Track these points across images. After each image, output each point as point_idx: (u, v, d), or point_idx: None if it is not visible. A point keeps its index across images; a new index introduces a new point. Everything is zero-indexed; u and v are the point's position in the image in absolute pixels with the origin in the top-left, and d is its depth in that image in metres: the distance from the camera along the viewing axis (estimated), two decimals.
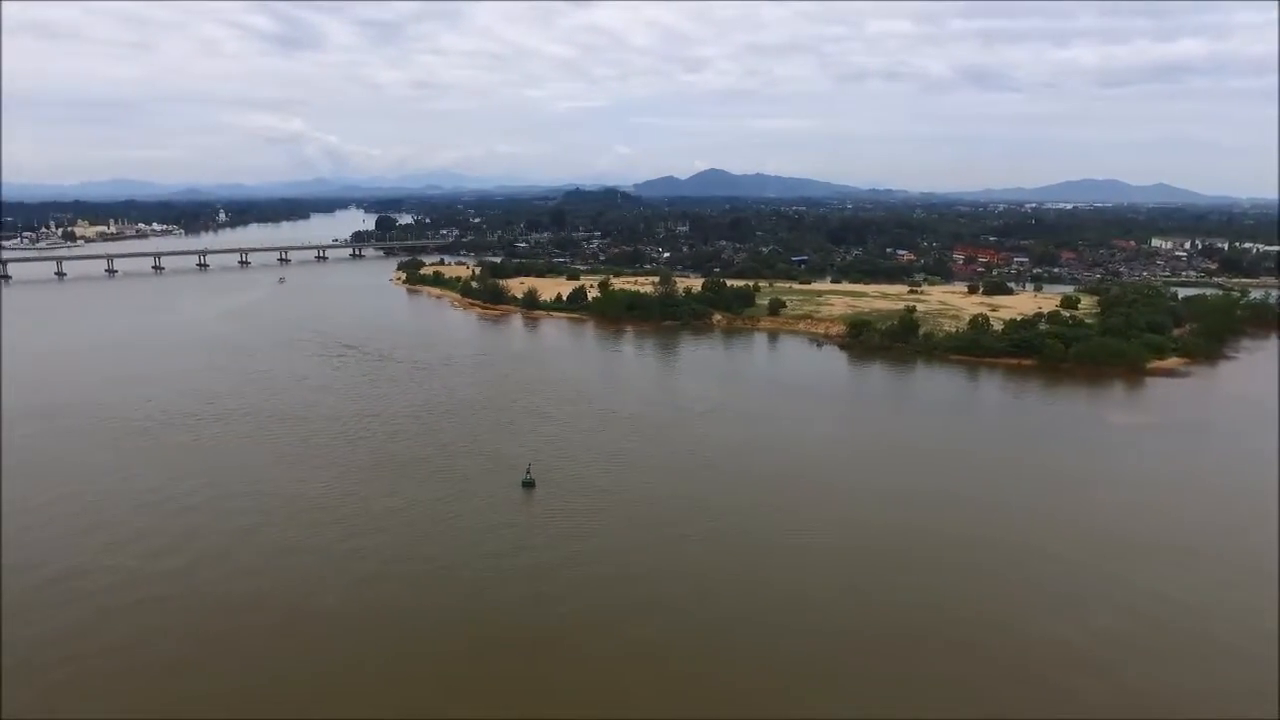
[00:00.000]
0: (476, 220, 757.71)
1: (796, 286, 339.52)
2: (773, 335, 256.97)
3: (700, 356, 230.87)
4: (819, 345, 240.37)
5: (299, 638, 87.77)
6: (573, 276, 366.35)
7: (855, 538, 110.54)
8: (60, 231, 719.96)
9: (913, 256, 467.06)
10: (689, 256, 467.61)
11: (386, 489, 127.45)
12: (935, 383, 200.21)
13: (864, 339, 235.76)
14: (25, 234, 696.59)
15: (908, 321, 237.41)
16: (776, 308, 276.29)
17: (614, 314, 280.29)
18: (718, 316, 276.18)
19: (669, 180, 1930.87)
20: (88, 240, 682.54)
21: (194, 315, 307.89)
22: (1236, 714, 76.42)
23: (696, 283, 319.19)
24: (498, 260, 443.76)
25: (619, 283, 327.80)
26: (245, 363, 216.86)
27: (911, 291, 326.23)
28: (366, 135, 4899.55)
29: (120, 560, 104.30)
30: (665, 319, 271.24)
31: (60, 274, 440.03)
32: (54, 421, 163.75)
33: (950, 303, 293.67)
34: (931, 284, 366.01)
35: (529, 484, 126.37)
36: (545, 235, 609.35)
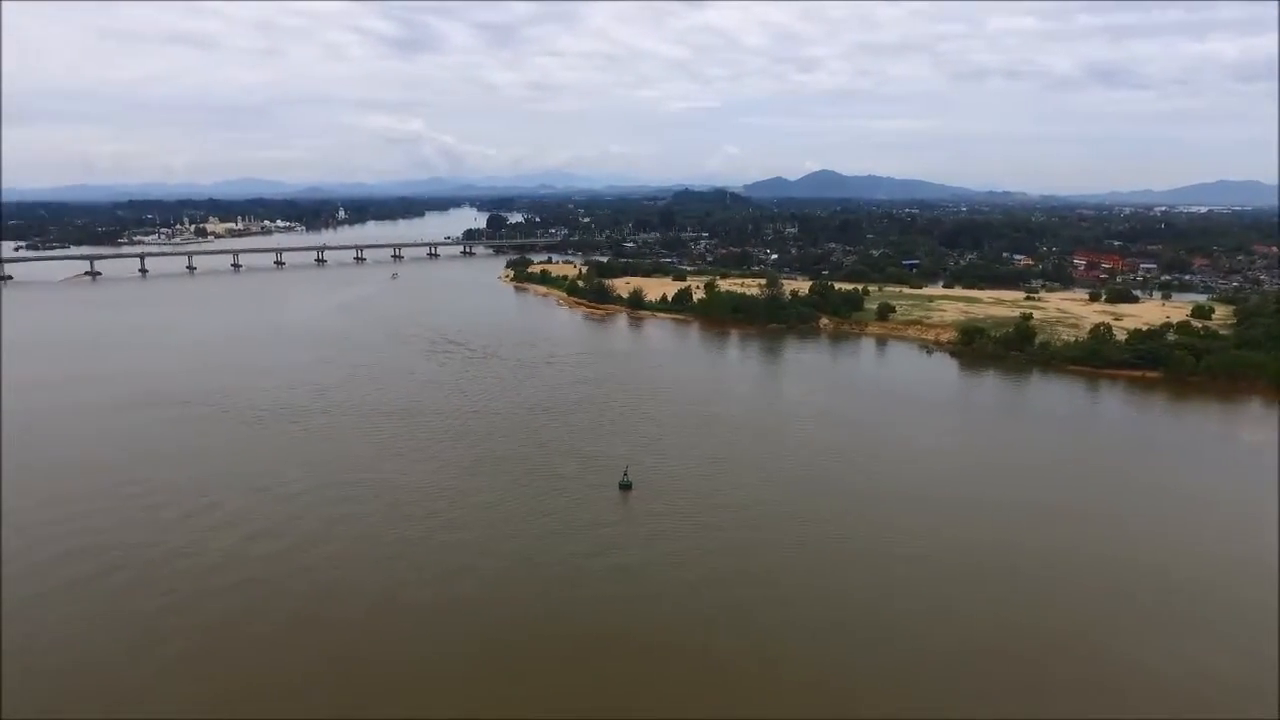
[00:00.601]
0: (586, 219, 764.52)
1: (907, 291, 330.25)
2: (881, 341, 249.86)
3: (805, 361, 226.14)
4: (929, 352, 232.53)
5: (386, 626, 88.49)
6: (679, 277, 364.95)
7: (956, 552, 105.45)
8: (193, 228, 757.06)
9: (1030, 261, 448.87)
10: (797, 259, 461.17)
11: (483, 485, 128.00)
12: (1051, 393, 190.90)
13: (977, 346, 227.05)
14: (162, 230, 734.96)
15: (1023, 329, 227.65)
16: (885, 312, 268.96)
17: (719, 316, 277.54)
18: (824, 320, 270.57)
19: (778, 181, 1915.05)
20: (217, 236, 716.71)
21: (310, 309, 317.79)
22: None
23: (804, 285, 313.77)
24: (604, 259, 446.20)
25: (725, 284, 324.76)
26: (354, 356, 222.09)
27: (1028, 298, 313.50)
28: (482, 135, 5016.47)
29: (224, 543, 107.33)
30: (771, 322, 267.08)
31: (191, 268, 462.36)
32: (186, 408, 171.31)
33: (1070, 310, 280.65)
34: (1050, 290, 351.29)
35: (626, 486, 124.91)
36: (653, 235, 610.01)
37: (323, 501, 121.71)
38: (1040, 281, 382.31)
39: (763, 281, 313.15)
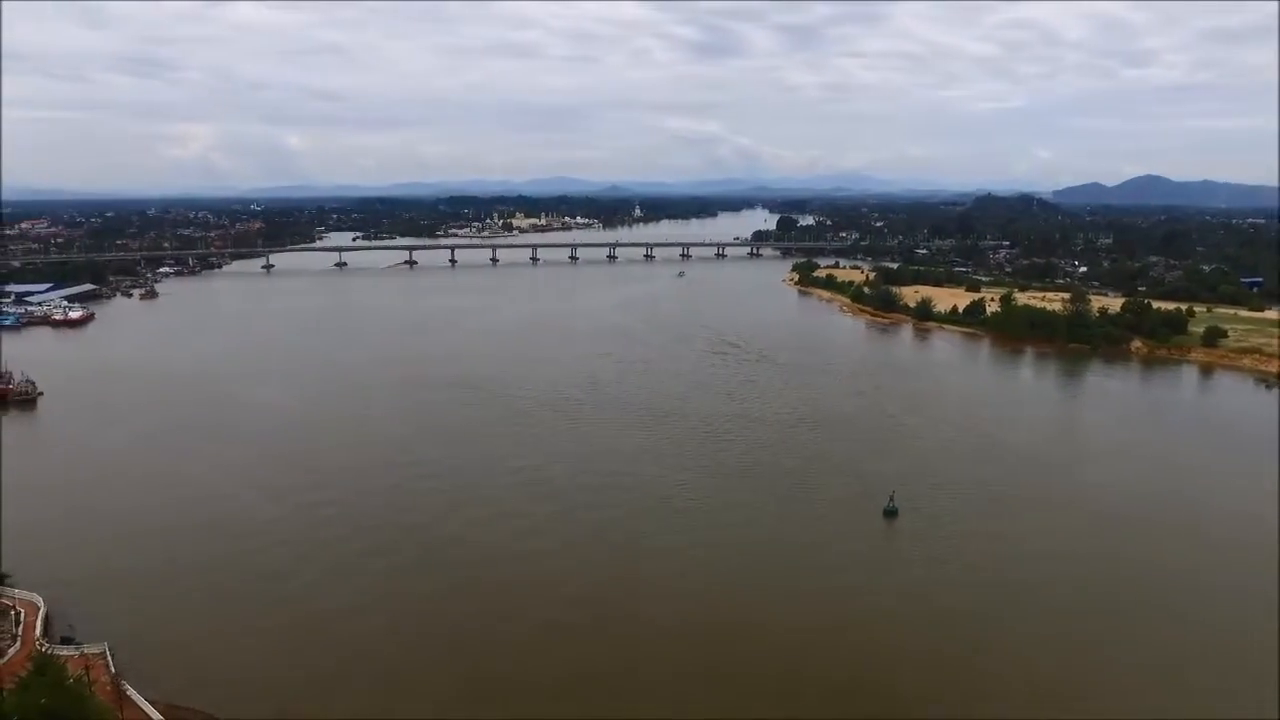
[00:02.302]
0: (878, 224, 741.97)
1: (1244, 314, 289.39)
2: (1205, 370, 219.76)
3: (1110, 388, 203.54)
4: (1269, 387, 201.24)
5: (624, 643, 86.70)
6: (973, 288, 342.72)
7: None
8: (501, 223, 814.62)
9: None
10: (1109, 272, 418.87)
11: (740, 498, 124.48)
12: None
13: None
14: (474, 224, 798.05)
15: None
16: (1214, 337, 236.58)
17: (1014, 332, 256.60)
18: (1137, 343, 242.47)
19: (1093, 187, 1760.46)
20: (521, 231, 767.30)
21: (596, 303, 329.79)
22: None
23: (1115, 303, 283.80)
24: (894, 266, 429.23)
25: (1024, 297, 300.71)
26: (631, 352, 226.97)
27: None
28: (778, 137, 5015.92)
29: (483, 536, 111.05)
30: (1073, 342, 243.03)
31: (494, 260, 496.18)
32: (467, 391, 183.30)
33: None
34: None
35: (891, 512, 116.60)
36: (948, 242, 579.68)
37: (578, 504, 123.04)
38: None
39: (1067, 296, 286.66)
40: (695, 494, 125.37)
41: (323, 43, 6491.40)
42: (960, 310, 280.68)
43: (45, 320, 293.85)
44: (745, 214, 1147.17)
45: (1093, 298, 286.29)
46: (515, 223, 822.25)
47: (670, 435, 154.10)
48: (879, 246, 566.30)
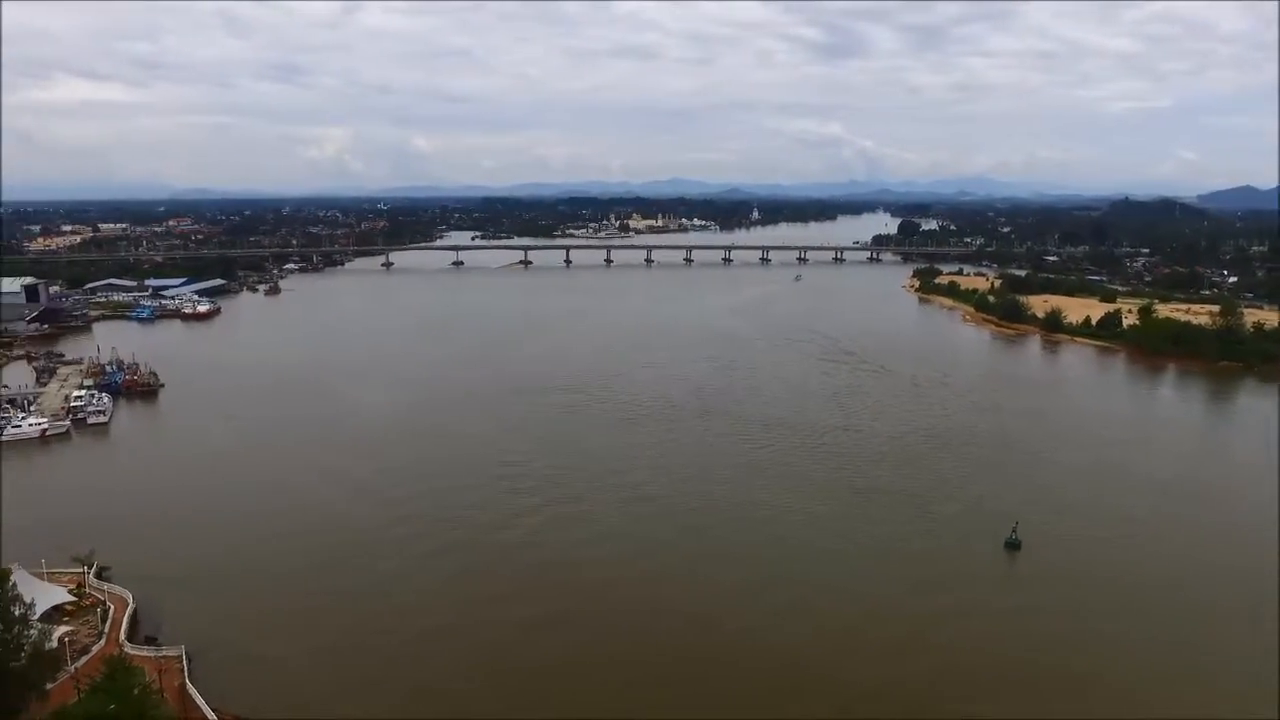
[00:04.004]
0: (1005, 229, 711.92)
1: None
2: None
3: (1263, 410, 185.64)
4: None
5: (703, 663, 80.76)
6: (1107, 298, 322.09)
7: None
8: (618, 224, 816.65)
9: None
10: (1265, 283, 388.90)
11: (841, 521, 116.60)
12: None
13: None
14: (591, 225, 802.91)
15: None
16: None
17: (1154, 347, 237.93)
18: None
19: (1245, 190, 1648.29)
20: (637, 232, 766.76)
21: (707, 306, 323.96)
22: None
23: (1271, 316, 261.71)
24: (1021, 274, 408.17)
25: (1164, 309, 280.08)
26: (740, 357, 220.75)
27: None
28: (901, 139, 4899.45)
29: (583, 554, 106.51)
30: (1222, 359, 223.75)
31: (608, 261, 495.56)
32: (580, 395, 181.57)
33: None
34: None
35: (1013, 545, 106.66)
36: (1080, 249, 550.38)
37: (669, 526, 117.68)
38: None
39: (1215, 309, 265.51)
40: (792, 515, 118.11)
41: (449, 47, 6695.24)
42: (1094, 322, 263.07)
43: (177, 313, 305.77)
44: (866, 217, 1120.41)
45: (1246, 311, 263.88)
46: (632, 224, 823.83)
47: (776, 446, 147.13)
48: (1005, 253, 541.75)
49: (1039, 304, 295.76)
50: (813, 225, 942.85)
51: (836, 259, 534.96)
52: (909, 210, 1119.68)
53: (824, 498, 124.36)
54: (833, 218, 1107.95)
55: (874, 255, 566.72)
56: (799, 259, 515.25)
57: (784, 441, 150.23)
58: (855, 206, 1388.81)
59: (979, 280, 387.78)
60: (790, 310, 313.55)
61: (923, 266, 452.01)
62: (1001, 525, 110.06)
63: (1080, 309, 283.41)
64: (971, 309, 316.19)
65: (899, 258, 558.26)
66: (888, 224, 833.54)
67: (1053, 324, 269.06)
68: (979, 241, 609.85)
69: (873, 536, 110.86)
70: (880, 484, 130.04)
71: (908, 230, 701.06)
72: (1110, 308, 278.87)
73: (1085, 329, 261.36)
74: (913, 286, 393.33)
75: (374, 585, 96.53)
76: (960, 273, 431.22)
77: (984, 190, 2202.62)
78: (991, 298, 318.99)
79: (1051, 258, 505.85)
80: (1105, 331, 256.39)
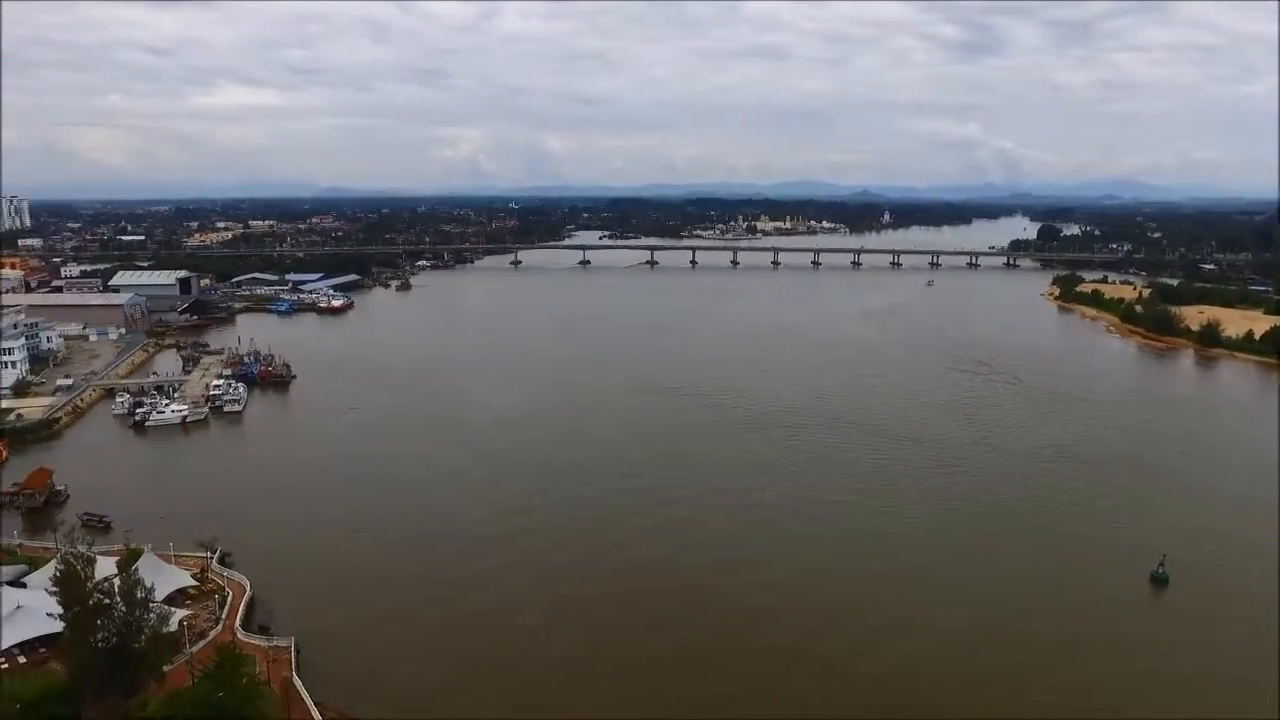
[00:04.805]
0: (1155, 234, 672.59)
1: None
2: None
3: None
4: None
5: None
6: (1273, 310, 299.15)
7: None
8: (745, 225, 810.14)
9: None
10: None
11: (967, 544, 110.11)
12: None
13: None
14: (718, 226, 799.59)
15: None
16: None
17: None
18: None
19: None
20: (765, 234, 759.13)
21: (835, 310, 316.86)
22: None
23: None
24: (1173, 283, 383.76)
25: None
26: (865, 365, 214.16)
27: None
28: (1042, 139, 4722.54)
29: (686, 559, 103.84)
30: None
31: (734, 263, 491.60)
32: (698, 398, 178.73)
33: None
34: None
35: (1160, 580, 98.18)
36: (1242, 256, 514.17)
37: (786, 515, 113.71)
38: None
39: None
40: (915, 532, 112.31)
41: (582, 49, 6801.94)
42: (1257, 336, 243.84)
43: (313, 307, 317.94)
44: (1003, 222, 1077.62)
45: None
46: (759, 225, 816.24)
47: (902, 460, 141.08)
48: (1156, 260, 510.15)
49: (1193, 315, 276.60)
50: (946, 229, 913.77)
51: (971, 264, 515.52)
52: (1049, 214, 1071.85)
53: (950, 517, 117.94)
54: (967, 222, 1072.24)
55: (1011, 261, 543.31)
56: (931, 264, 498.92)
57: (911, 455, 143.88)
58: (991, 210, 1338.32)
59: (1125, 289, 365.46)
60: (921, 317, 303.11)
61: (1064, 273, 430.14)
62: (1146, 557, 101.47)
63: (1241, 322, 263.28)
64: (1117, 319, 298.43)
65: (1037, 264, 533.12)
66: (1026, 229, 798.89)
67: (1209, 337, 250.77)
68: (1126, 248, 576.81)
69: (1006, 563, 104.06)
70: (1013, 505, 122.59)
71: (1047, 235, 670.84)
72: (1277, 320, 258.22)
73: (1247, 343, 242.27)
74: (1052, 294, 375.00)
75: (483, 586, 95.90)
76: (1104, 281, 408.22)
77: (1132, 193, 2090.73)
78: (1139, 308, 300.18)
79: (1208, 266, 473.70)
80: (1271, 346, 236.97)
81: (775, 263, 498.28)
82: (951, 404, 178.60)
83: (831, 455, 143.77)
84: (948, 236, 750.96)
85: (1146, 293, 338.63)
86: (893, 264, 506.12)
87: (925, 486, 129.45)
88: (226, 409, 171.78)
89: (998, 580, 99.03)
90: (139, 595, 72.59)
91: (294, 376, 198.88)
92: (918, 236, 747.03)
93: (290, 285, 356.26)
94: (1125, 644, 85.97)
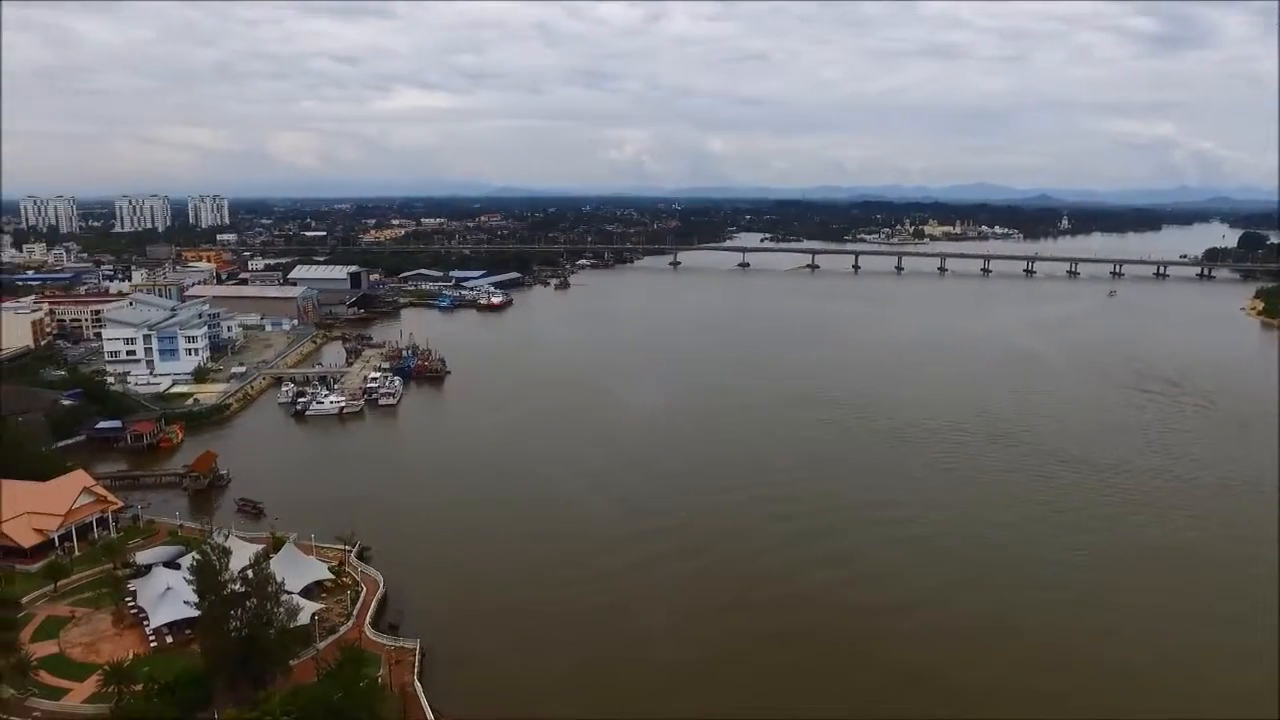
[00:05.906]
0: None
1: None
2: None
3: None
4: None
5: None
6: None
7: None
8: (912, 229, 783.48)
9: None
10: None
11: (1123, 584, 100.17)
12: None
13: None
14: (884, 230, 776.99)
15: None
16: None
17: None
18: None
19: None
20: (933, 239, 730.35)
21: (1005, 321, 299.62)
22: None
23: None
24: None
25: None
26: (1036, 381, 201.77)
27: None
28: (1246, 139, 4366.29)
29: (835, 595, 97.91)
30: None
31: (899, 269, 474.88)
32: (851, 410, 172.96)
33: None
34: None
35: None
36: None
37: (942, 550, 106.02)
38: None
39: None
40: (1082, 570, 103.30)
41: (747, 51, 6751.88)
42: None
43: (474, 303, 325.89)
44: (1197, 228, 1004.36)
45: None
46: (927, 230, 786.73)
47: (1074, 485, 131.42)
48: None
49: None
50: (1131, 236, 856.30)
51: (1158, 274, 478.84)
52: (1252, 221, 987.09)
53: (1124, 556, 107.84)
54: (1156, 228, 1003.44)
55: (1206, 272, 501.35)
56: (1113, 273, 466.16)
57: (1083, 479, 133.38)
58: (1185, 216, 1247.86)
59: None
60: (1100, 330, 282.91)
61: (1270, 285, 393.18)
62: None
63: None
64: None
65: (1237, 275, 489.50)
66: (1225, 236, 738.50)
67: None
68: None
69: (1189, 610, 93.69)
70: (1203, 547, 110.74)
71: (1250, 244, 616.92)
72: None
73: None
74: (1254, 309, 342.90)
75: (616, 595, 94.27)
76: None
77: None
78: None
79: None
80: None
81: (941, 269, 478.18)
82: (1133, 426, 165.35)
83: (995, 478, 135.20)
84: (1133, 244, 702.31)
85: None
86: (1070, 273, 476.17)
87: (1099, 515, 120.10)
88: (381, 402, 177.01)
89: (1198, 627, 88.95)
90: (270, 589, 73.39)
91: (448, 372, 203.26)
92: (1099, 244, 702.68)
93: (454, 281, 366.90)
94: None
